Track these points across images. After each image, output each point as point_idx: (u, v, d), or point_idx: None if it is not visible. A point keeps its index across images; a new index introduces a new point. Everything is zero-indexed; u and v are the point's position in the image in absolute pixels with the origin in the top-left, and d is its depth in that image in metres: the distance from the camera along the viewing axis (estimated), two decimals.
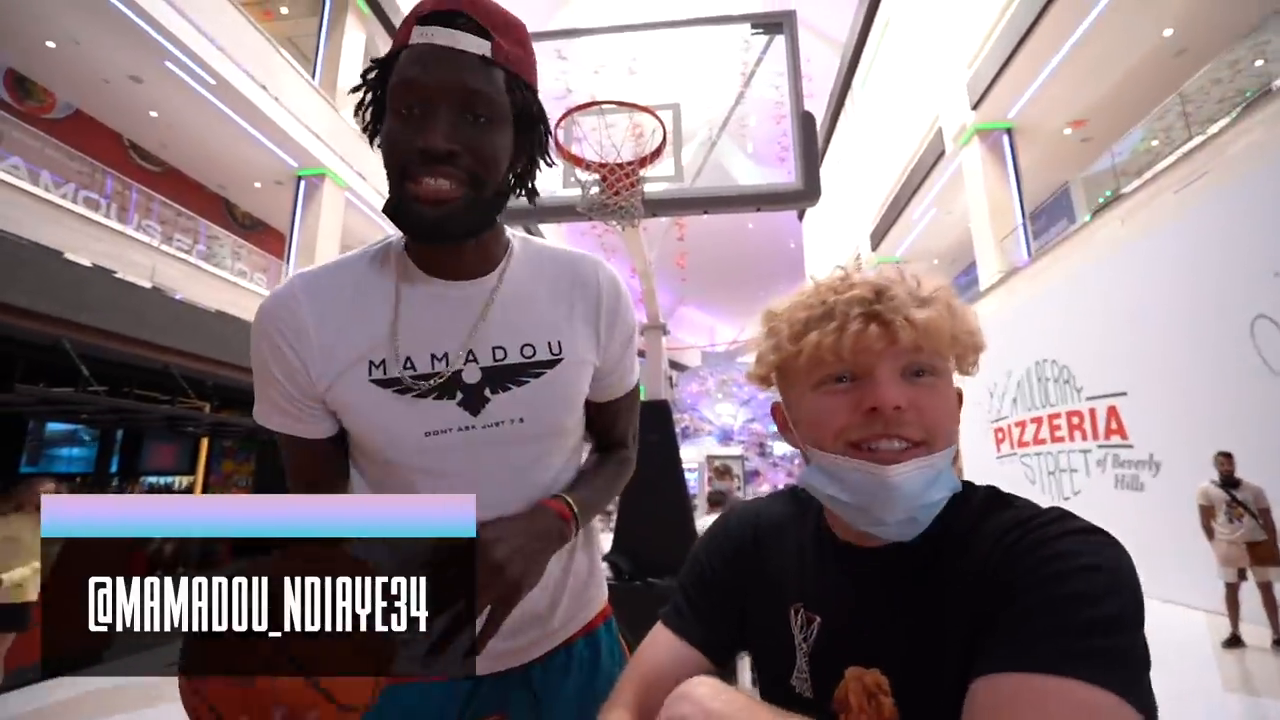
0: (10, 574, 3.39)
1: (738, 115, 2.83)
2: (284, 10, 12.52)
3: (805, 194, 2.29)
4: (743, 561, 0.68)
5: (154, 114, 9.80)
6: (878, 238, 16.39)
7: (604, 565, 3.23)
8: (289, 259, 11.25)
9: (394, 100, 0.65)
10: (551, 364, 0.75)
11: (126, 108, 9.64)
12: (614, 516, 3.54)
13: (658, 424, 3.46)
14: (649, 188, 2.33)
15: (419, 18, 0.65)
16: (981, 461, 10.11)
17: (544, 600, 0.80)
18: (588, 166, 2.17)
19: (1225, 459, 4.73)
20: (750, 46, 2.68)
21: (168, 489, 12.17)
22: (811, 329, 0.54)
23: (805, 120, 2.34)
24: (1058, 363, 7.94)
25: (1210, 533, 4.72)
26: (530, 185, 0.78)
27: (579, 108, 2.18)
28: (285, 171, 11.32)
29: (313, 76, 11.61)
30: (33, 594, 3.44)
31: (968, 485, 0.58)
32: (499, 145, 0.68)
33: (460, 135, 0.64)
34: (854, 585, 0.57)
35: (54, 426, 10.91)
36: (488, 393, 0.73)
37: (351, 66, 12.32)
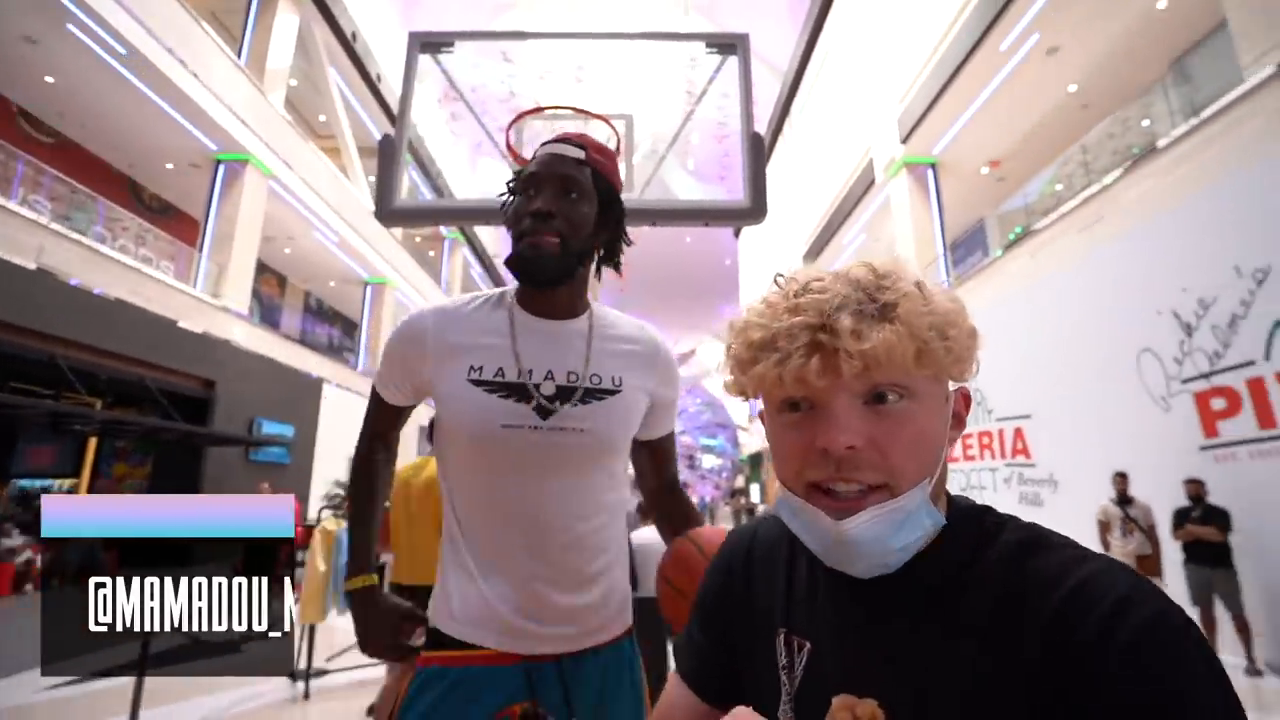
0: None
1: (685, 131, 2.86)
2: None
3: (753, 212, 2.34)
4: (730, 589, 0.65)
5: (50, 80, 8.93)
6: (810, 258, 17.04)
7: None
8: (203, 247, 10.48)
9: (519, 189, 0.97)
10: (612, 393, 0.98)
11: (17, 71, 8.73)
12: None
13: None
14: None
15: (544, 144, 1.00)
16: None
17: (595, 596, 0.96)
18: None
19: (1121, 479, 5.21)
20: (698, 66, 2.72)
21: (46, 493, 11.00)
22: (759, 358, 0.50)
23: (755, 141, 2.39)
24: (972, 385, 8.47)
25: (1106, 546, 5.15)
26: (616, 259, 1.07)
27: (533, 111, 2.14)
28: (202, 154, 10.57)
29: (239, 56, 10.93)
30: None
31: (968, 505, 0.53)
32: (584, 214, 0.96)
33: (557, 203, 0.93)
34: (848, 610, 0.53)
35: None
36: (558, 404, 0.93)
37: (282, 49, 11.70)
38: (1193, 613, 4.55)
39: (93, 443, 10.82)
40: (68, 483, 11.04)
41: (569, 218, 0.93)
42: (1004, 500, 7.60)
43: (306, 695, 4.03)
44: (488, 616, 0.91)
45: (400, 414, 1.09)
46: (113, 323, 8.01)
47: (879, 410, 0.47)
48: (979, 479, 8.25)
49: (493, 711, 0.89)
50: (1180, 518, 4.74)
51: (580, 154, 0.97)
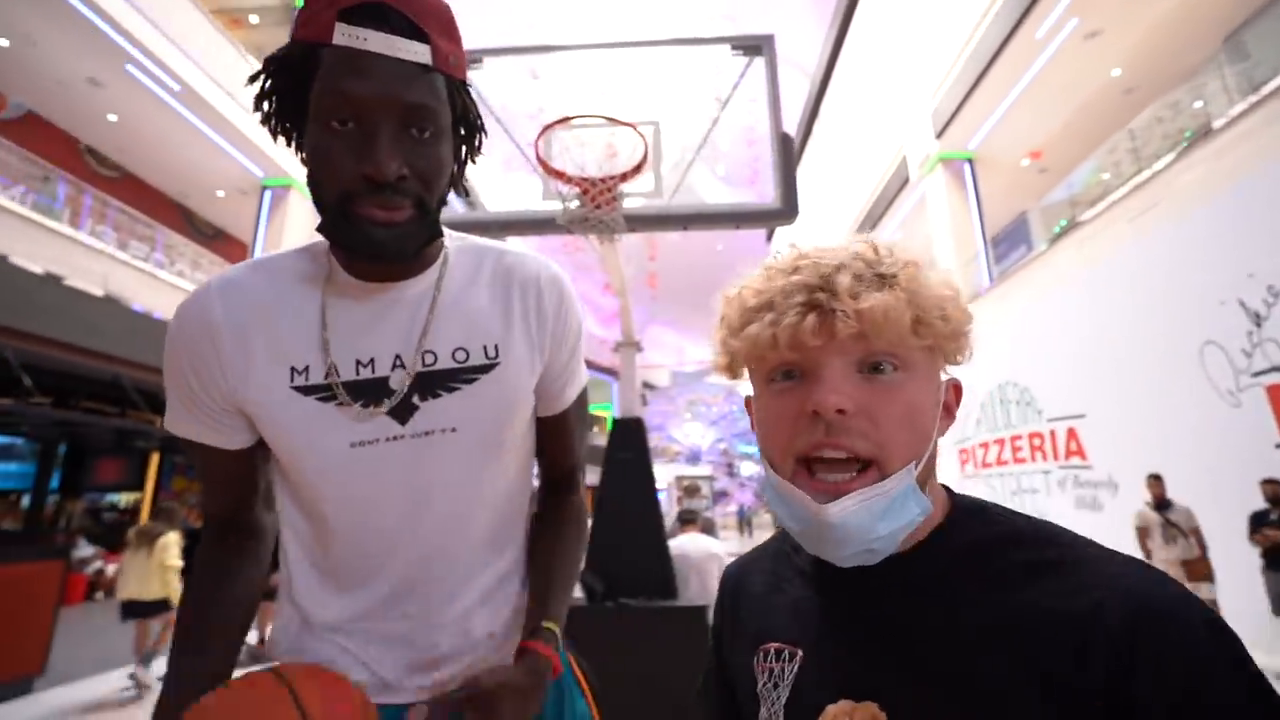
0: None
1: (713, 134, 2.86)
2: (254, 19, 12.34)
3: (784, 213, 2.31)
4: (724, 620, 0.64)
5: (113, 118, 9.50)
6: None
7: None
8: None
9: (322, 109, 0.59)
10: (486, 369, 0.70)
11: (84, 111, 9.33)
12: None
13: (631, 441, 3.41)
14: (629, 203, 2.33)
15: (341, 11, 0.57)
16: (947, 482, 10.31)
17: (490, 623, 0.75)
18: (569, 180, 2.16)
19: (1156, 482, 4.95)
20: (724, 71, 2.72)
21: (113, 507, 11.59)
22: (752, 320, 0.48)
23: (784, 142, 2.37)
24: (1018, 385, 8.18)
25: (1148, 554, 4.89)
26: (461, 184, 0.73)
27: (560, 121, 2.17)
28: (250, 181, 11.07)
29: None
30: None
31: (969, 500, 0.52)
32: (444, 160, 0.64)
33: (406, 155, 0.59)
34: (837, 608, 0.51)
35: None
36: (416, 400, 0.67)
37: None
38: (1276, 623, 4.28)
39: (155, 458, 11.38)
40: (133, 497, 11.62)
41: (424, 173, 0.61)
42: (1058, 504, 7.29)
43: None
44: (371, 681, 0.70)
45: (247, 462, 0.72)
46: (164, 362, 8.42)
47: (873, 379, 0.46)
48: (1030, 482, 7.93)
49: None
50: (1258, 521, 4.45)
51: (425, 52, 0.59)
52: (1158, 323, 5.93)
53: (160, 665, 4.86)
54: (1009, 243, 11.26)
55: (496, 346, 0.71)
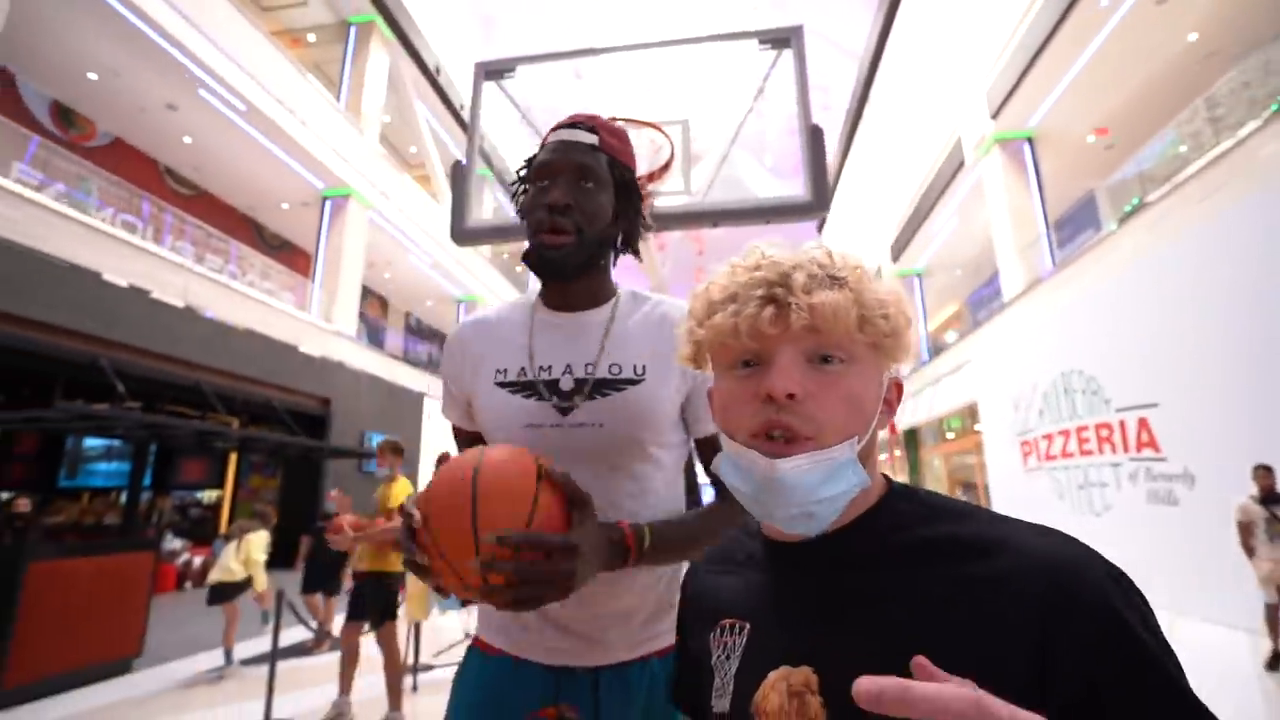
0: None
1: (756, 130, 2.85)
2: (311, 38, 12.95)
3: (814, 205, 2.30)
4: (685, 604, 0.69)
5: (188, 140, 10.18)
6: (898, 250, 16.24)
7: None
8: (315, 278, 11.53)
9: (531, 178, 0.92)
10: (634, 382, 0.90)
11: (162, 134, 10.03)
12: None
13: None
14: (660, 202, 2.36)
15: (554, 129, 0.94)
16: (1009, 475, 9.89)
17: (634, 603, 0.90)
18: None
19: (1265, 473, 4.54)
20: (757, 63, 2.71)
21: (197, 503, 12.46)
22: (717, 310, 0.54)
23: (814, 133, 2.35)
24: (1085, 373, 7.76)
25: (1250, 551, 4.53)
26: (634, 244, 1.00)
27: None
28: (311, 193, 11.64)
29: (338, 100, 11.96)
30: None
31: (904, 485, 0.57)
32: (601, 204, 0.91)
33: (573, 194, 0.88)
34: (781, 581, 0.56)
35: (90, 442, 11.28)
36: (577, 399, 0.89)
37: (375, 89, 12.68)
38: None
39: (233, 458, 12.15)
40: (215, 494, 12.46)
41: (585, 209, 0.89)
42: (1129, 498, 6.89)
43: (415, 688, 4.33)
44: (513, 624, 0.91)
45: (479, 440, 1.01)
46: (244, 350, 8.98)
47: (821, 369, 0.51)
48: (1098, 475, 7.52)
49: (523, 711, 0.87)
50: None
51: (594, 139, 0.92)
52: (1237, 304, 5.52)
53: (242, 650, 5.22)
54: (1074, 225, 10.67)
55: (645, 367, 0.91)
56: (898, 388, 0.57)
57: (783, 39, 2.47)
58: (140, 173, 10.15)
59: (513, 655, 0.91)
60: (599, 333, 0.94)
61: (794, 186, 2.58)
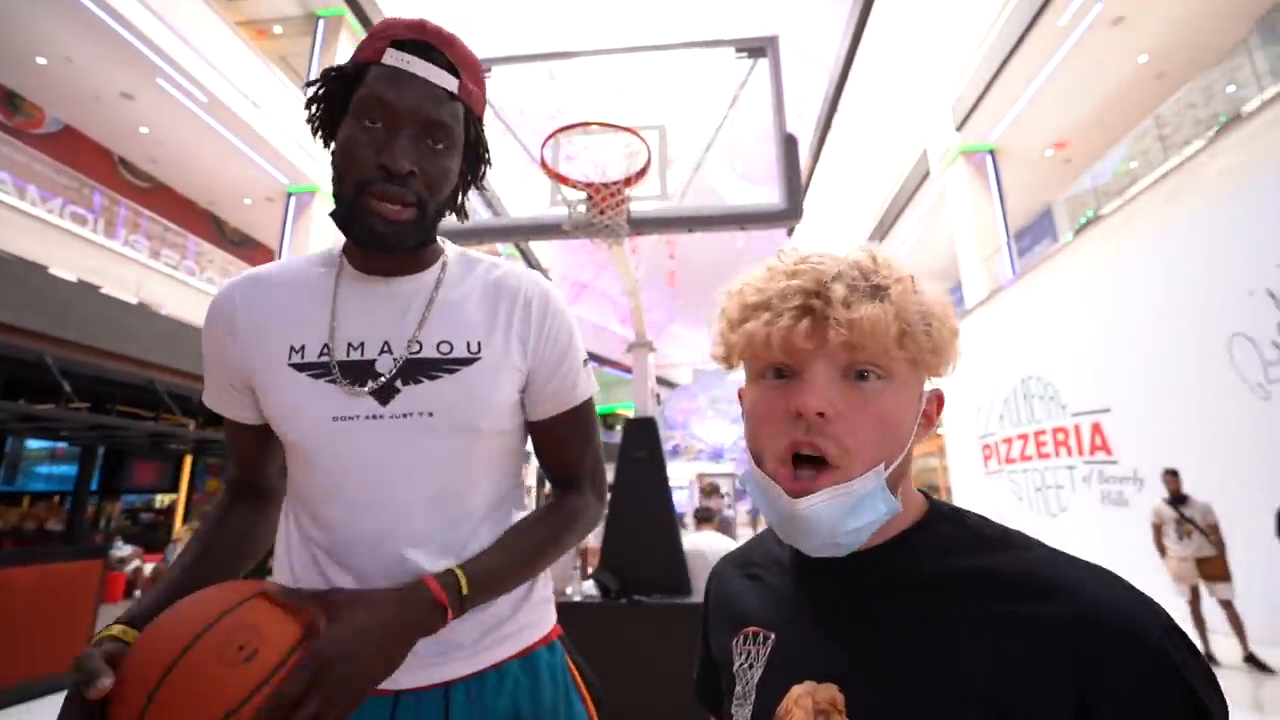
0: None
1: (728, 137, 2.88)
2: (277, 29, 12.62)
3: (788, 213, 2.33)
4: (709, 606, 0.68)
5: (144, 130, 9.81)
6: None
7: (589, 584, 3.17)
8: None
9: (359, 110, 0.70)
10: (468, 361, 0.75)
11: (117, 124, 9.65)
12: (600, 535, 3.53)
13: (644, 440, 3.46)
14: (635, 207, 2.36)
15: (394, 41, 0.71)
16: (970, 477, 10.17)
17: (459, 627, 0.73)
18: (575, 185, 2.20)
19: (1172, 477, 4.81)
20: (737, 70, 2.74)
21: (149, 508, 11.98)
22: (750, 317, 0.51)
23: (789, 142, 2.38)
24: (1042, 379, 8.03)
25: (1162, 551, 4.77)
26: (461, 206, 0.83)
27: (566, 128, 2.22)
28: (276, 188, 11.34)
29: (304, 94, 11.67)
30: None
31: (946, 506, 0.55)
32: (449, 171, 0.74)
33: (419, 158, 0.70)
34: (810, 595, 0.54)
35: (34, 444, 10.75)
36: (399, 384, 0.73)
37: None
38: None
39: (188, 460, 11.73)
40: (168, 498, 12.00)
41: (431, 176, 0.72)
42: (1084, 500, 7.15)
43: None
44: None
45: (260, 437, 0.81)
46: (201, 348, 8.67)
47: (856, 386, 0.48)
48: (1054, 478, 7.78)
49: None
50: None
51: (454, 84, 0.72)
52: (1185, 314, 5.79)
53: None
54: (1033, 235, 11.05)
55: (479, 343, 0.76)
56: (938, 400, 0.54)
57: (759, 48, 2.50)
58: (92, 163, 9.74)
59: None
60: (422, 302, 0.77)
61: (764, 193, 2.62)
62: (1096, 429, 6.98)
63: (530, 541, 0.79)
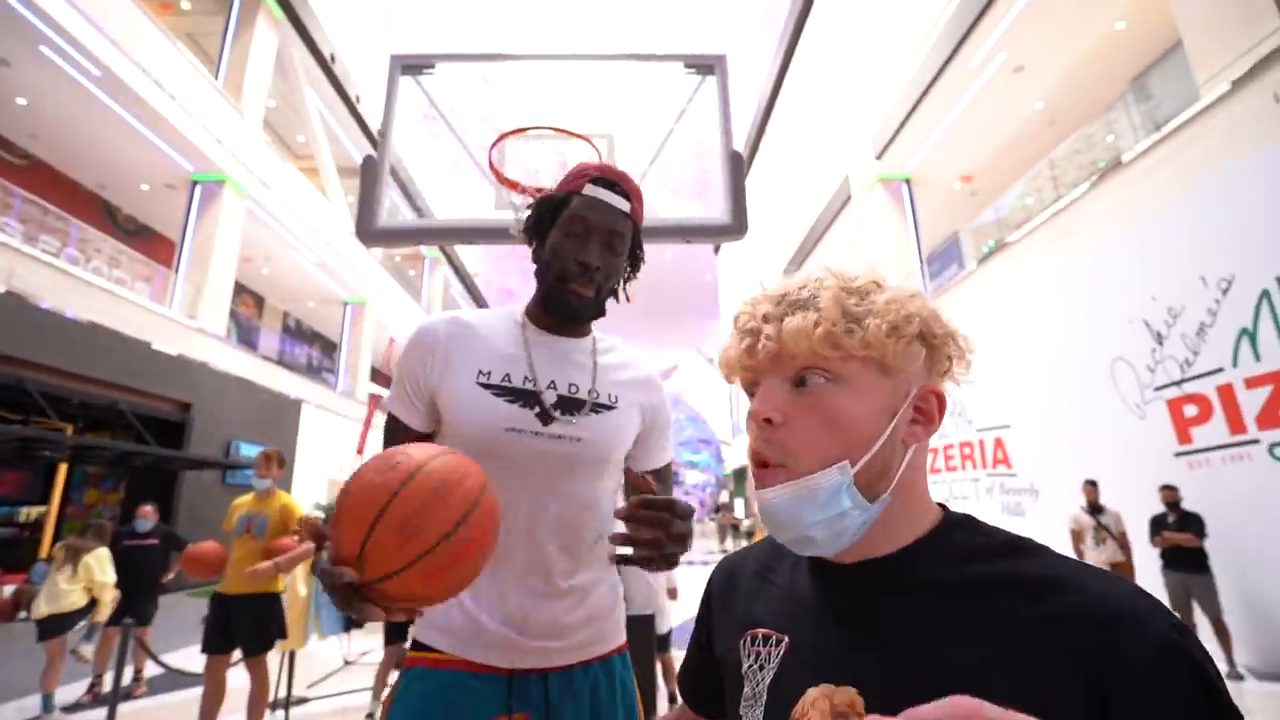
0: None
1: (665, 149, 2.90)
2: (185, 4, 11.73)
3: (733, 228, 2.37)
4: (710, 607, 0.69)
5: (22, 101, 8.82)
6: (789, 275, 17.23)
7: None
8: (178, 267, 10.33)
9: (566, 224, 0.99)
10: (608, 408, 1.01)
11: None
12: None
13: None
14: None
15: (591, 179, 1.00)
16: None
17: (588, 610, 0.98)
18: (522, 190, 2.15)
19: (1091, 487, 5.29)
20: (676, 86, 2.77)
21: (10, 521, 10.64)
22: (728, 343, 0.57)
23: (734, 159, 2.43)
24: (952, 395, 8.58)
25: (1080, 555, 5.20)
26: (625, 289, 1.11)
27: (513, 132, 2.16)
28: (179, 175, 10.47)
29: (215, 77, 10.87)
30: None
31: (961, 514, 0.56)
32: (620, 267, 1.04)
33: (604, 258, 0.99)
34: (826, 598, 0.55)
35: None
36: (558, 413, 0.97)
37: (260, 70, 11.66)
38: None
39: (63, 469, 10.52)
40: (36, 511, 10.70)
41: (609, 271, 1.00)
42: (986, 510, 7.68)
43: None
44: (469, 628, 0.92)
45: (418, 439, 1.03)
46: (85, 346, 7.84)
47: (801, 392, 0.52)
48: (961, 489, 8.32)
49: (479, 718, 0.90)
50: (1157, 525, 4.81)
51: (627, 207, 1.00)
52: (1074, 339, 6.36)
53: (66, 695, 4.49)
54: (942, 261, 11.84)
55: (618, 397, 1.03)
56: (936, 397, 0.54)
57: (707, 66, 2.55)
58: None
59: (463, 661, 0.92)
60: (588, 360, 1.05)
61: (693, 207, 2.65)
62: (999, 444, 7.53)
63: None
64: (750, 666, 0.57)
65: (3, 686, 4.82)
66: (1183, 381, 5.17)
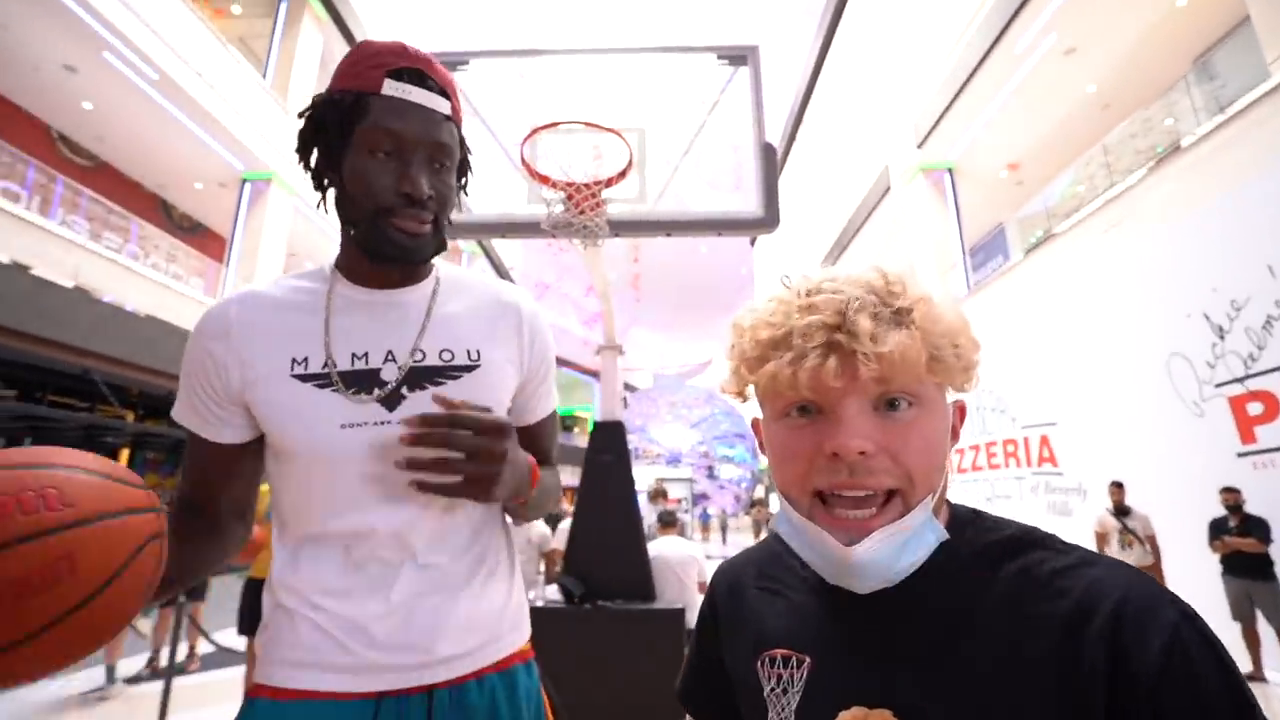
0: None
1: (697, 142, 2.88)
2: (236, 9, 12.14)
3: (766, 221, 2.35)
4: (716, 620, 0.65)
5: (88, 106, 9.29)
6: (827, 266, 16.98)
7: (552, 589, 3.13)
8: (229, 263, 10.76)
9: (368, 142, 0.74)
10: (469, 369, 0.81)
11: (58, 98, 9.10)
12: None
13: (612, 444, 3.43)
14: (612, 209, 2.34)
15: (389, 71, 0.75)
16: None
17: (470, 610, 0.79)
18: (553, 185, 2.17)
19: (1117, 489, 5.08)
20: (709, 78, 2.75)
21: None
22: (769, 356, 0.48)
23: (767, 151, 2.40)
24: (994, 392, 8.33)
25: None
26: (459, 208, 0.92)
27: (546, 126, 2.18)
28: (230, 173, 10.88)
29: (264, 78, 11.25)
30: None
31: (964, 511, 0.54)
32: (453, 186, 0.82)
33: (431, 181, 0.77)
34: (846, 615, 0.52)
35: None
36: (404, 391, 0.77)
37: (306, 70, 12.01)
38: (1233, 628, 4.41)
39: (125, 455, 11.13)
40: None
41: (441, 195, 0.78)
42: (1032, 509, 7.44)
43: None
44: (324, 652, 0.74)
45: (227, 460, 0.79)
46: (144, 337, 8.25)
47: (890, 417, 0.47)
48: (1004, 488, 8.08)
49: None
50: (1217, 529, 4.58)
51: (446, 107, 0.78)
52: (1126, 334, 6.09)
53: (128, 668, 4.77)
54: (986, 253, 11.47)
55: (479, 351, 0.82)
56: (961, 411, 0.53)
57: (740, 56, 2.52)
58: (27, 137, 9.16)
59: (319, 693, 0.73)
60: (420, 313, 0.82)
61: (729, 200, 2.64)
62: (1044, 441, 7.28)
63: (553, 481, 0.91)
64: (773, 690, 0.53)
65: None
66: (1246, 378, 4.90)
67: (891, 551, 0.46)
